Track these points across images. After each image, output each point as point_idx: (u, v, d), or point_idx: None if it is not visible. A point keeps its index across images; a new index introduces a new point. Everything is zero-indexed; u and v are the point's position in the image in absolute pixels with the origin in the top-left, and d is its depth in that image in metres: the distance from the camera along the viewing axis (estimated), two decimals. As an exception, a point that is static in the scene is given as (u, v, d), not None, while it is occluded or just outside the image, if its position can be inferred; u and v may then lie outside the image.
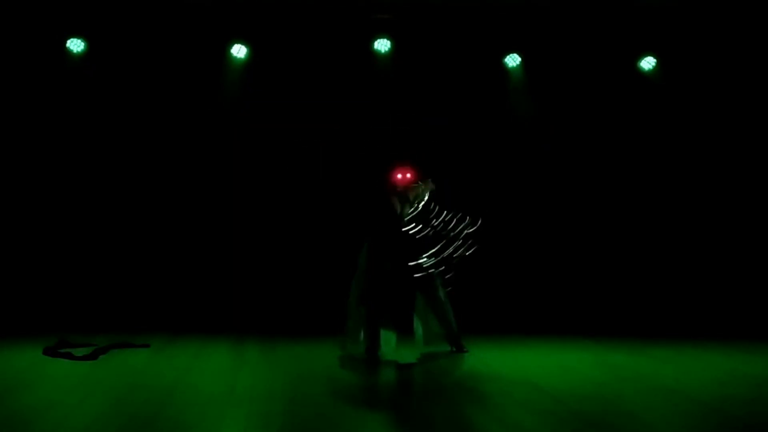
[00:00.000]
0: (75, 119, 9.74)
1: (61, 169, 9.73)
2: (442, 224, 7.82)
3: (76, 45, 9.56)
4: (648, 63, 9.95)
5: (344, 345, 8.09)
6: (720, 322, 9.68)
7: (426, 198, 7.97)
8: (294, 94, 9.87)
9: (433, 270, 7.83)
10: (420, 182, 8.06)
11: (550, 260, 10.07)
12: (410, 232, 7.85)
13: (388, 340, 7.99)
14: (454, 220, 7.82)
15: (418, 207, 7.94)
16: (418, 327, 8.12)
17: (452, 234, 7.82)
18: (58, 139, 9.72)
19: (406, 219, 7.93)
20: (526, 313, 9.85)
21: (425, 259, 7.80)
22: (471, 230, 7.77)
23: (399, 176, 8.10)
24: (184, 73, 9.76)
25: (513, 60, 9.95)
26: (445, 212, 7.84)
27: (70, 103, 9.71)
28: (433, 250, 7.81)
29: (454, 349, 8.19)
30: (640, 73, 9.99)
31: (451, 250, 7.79)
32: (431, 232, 7.82)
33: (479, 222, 7.77)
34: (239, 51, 9.73)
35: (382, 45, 9.81)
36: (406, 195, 8.04)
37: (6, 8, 9.39)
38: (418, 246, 7.84)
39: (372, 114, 9.95)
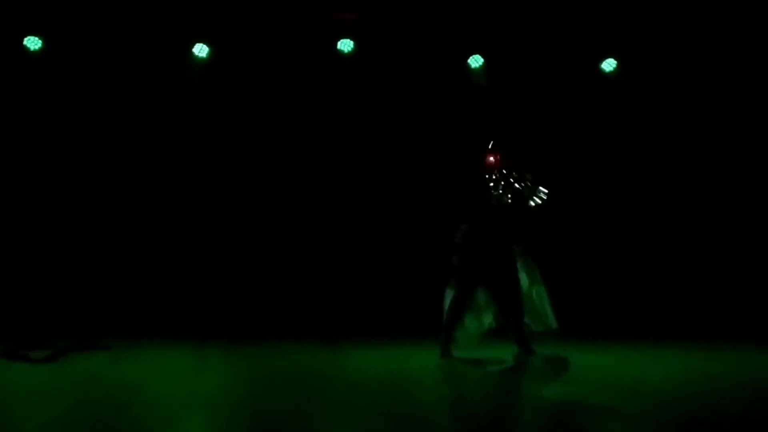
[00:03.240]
0: (32, 116, 9.61)
1: (23, 170, 9.61)
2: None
3: (33, 43, 9.45)
4: (609, 65, 10.03)
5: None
6: (681, 321, 9.78)
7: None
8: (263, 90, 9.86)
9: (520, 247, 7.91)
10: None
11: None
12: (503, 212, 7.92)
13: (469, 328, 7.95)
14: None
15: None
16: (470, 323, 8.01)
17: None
18: (25, 139, 9.60)
19: (497, 197, 7.93)
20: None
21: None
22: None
23: (491, 159, 8.01)
24: (146, 74, 9.69)
25: (476, 61, 9.99)
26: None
27: (31, 101, 9.59)
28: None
29: (522, 351, 7.93)
30: (602, 74, 10.07)
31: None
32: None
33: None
34: (201, 50, 9.69)
35: (346, 45, 9.82)
36: (496, 177, 7.97)
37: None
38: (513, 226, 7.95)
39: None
